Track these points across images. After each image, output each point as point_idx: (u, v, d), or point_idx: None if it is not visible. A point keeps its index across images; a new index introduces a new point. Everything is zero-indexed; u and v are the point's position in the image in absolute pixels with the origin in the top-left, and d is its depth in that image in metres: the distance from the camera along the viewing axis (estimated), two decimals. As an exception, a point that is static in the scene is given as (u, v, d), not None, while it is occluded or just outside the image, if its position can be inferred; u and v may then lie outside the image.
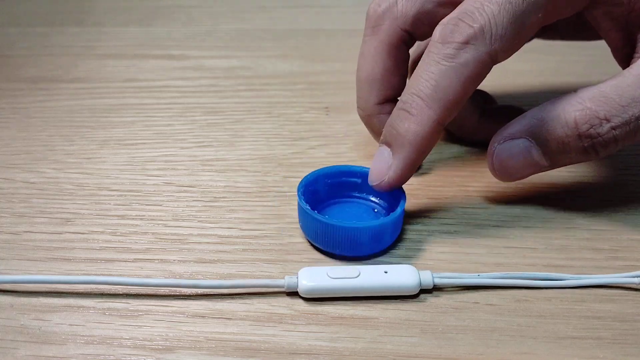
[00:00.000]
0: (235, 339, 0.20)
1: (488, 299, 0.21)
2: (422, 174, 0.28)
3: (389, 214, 0.23)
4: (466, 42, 0.21)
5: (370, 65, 0.26)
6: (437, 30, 0.22)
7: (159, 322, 0.20)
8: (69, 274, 0.22)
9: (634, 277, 0.21)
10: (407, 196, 0.23)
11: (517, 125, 0.23)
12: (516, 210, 0.25)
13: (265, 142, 0.30)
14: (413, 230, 0.24)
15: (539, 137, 0.23)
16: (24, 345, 0.19)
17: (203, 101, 0.35)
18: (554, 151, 0.23)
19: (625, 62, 0.24)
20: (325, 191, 0.25)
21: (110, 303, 0.21)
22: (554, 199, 0.26)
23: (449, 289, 0.22)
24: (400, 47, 0.26)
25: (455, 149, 0.30)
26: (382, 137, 0.23)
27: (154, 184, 0.27)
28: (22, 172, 0.28)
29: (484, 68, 0.22)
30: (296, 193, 0.23)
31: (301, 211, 0.23)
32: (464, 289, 0.21)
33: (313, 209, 0.23)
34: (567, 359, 0.19)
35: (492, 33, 0.21)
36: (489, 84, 0.26)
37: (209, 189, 0.27)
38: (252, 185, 0.27)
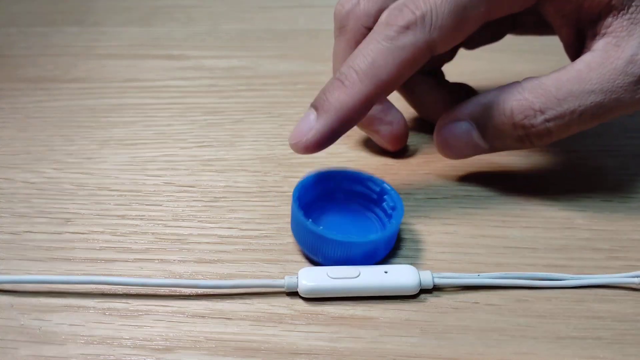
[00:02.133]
0: (235, 339, 0.20)
1: (488, 299, 0.21)
2: (422, 173, 0.28)
3: (384, 225, 0.23)
4: (407, 27, 0.22)
5: (341, 64, 0.27)
6: (384, 14, 0.23)
7: (159, 322, 0.20)
8: (69, 274, 0.22)
9: (634, 277, 0.21)
10: (402, 195, 0.23)
11: (463, 108, 0.25)
12: (516, 210, 0.25)
13: (265, 142, 0.30)
14: (413, 230, 0.24)
15: (479, 122, 0.24)
16: (24, 345, 0.19)
17: (203, 101, 0.35)
18: (492, 136, 0.24)
19: (575, 57, 0.25)
20: (324, 194, 0.25)
21: (110, 303, 0.21)
22: (554, 199, 0.26)
23: (449, 289, 0.22)
24: None
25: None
26: (312, 101, 0.24)
27: (154, 184, 0.27)
28: (22, 172, 0.28)
29: (420, 54, 0.22)
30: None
31: (294, 217, 0.23)
32: (464, 289, 0.21)
33: (307, 209, 0.22)
34: (567, 359, 0.19)
35: (432, 22, 0.22)
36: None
37: (209, 189, 0.27)
38: (252, 185, 0.27)
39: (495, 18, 0.23)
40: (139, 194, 0.26)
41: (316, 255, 0.22)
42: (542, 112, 0.23)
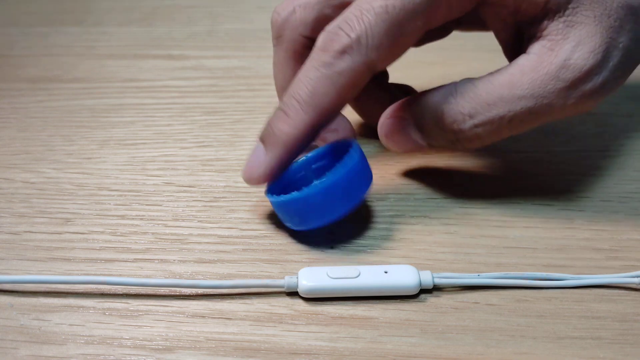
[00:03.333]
0: (235, 339, 0.20)
1: (488, 299, 0.21)
2: (422, 173, 0.28)
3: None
4: (343, 52, 0.22)
5: (282, 74, 0.27)
6: (320, 37, 0.23)
7: (159, 322, 0.20)
8: (69, 274, 0.22)
9: (634, 277, 0.21)
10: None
11: (402, 105, 0.25)
12: (516, 210, 0.25)
13: (265, 142, 0.30)
14: (413, 230, 0.24)
15: (416, 120, 0.24)
16: (24, 345, 0.19)
17: (203, 101, 0.35)
18: (427, 135, 0.24)
19: (513, 59, 0.24)
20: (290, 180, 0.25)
21: (110, 303, 0.21)
22: (554, 199, 0.26)
23: (449, 289, 0.22)
24: (304, 53, 0.25)
25: (455, 150, 0.30)
26: (260, 133, 0.24)
27: (154, 184, 0.27)
28: (22, 172, 0.28)
29: (360, 77, 0.22)
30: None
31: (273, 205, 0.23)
32: (464, 289, 0.21)
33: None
34: (567, 359, 0.19)
35: (367, 43, 0.21)
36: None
37: (209, 189, 0.27)
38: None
39: (435, 27, 0.23)
40: (139, 194, 0.26)
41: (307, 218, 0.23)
42: (470, 116, 0.22)
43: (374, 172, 0.24)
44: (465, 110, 0.22)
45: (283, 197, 0.22)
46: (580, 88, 0.22)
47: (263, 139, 0.23)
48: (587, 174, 0.28)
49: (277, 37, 0.26)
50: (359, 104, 0.30)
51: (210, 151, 0.30)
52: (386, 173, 0.28)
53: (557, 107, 0.22)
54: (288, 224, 0.23)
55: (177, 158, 0.29)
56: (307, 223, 0.23)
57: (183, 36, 0.44)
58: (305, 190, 0.22)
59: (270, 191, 0.23)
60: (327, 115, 0.23)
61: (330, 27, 0.22)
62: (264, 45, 0.42)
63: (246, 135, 0.31)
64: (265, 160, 0.23)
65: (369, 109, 0.29)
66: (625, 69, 0.23)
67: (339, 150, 0.25)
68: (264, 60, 0.40)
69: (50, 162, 0.29)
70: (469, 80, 0.23)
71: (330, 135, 0.27)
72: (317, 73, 0.22)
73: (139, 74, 0.38)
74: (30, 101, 0.34)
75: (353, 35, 0.22)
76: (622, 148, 0.29)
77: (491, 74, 0.23)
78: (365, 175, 0.23)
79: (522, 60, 0.22)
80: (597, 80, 0.22)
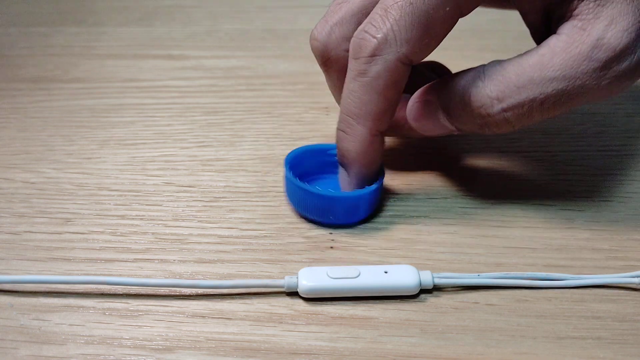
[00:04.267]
0: (235, 339, 0.20)
1: (488, 299, 0.21)
2: (422, 173, 0.28)
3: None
4: (373, 55, 0.22)
5: (338, 95, 0.26)
6: (350, 46, 0.23)
7: (159, 322, 0.20)
8: (69, 274, 0.22)
9: (634, 277, 0.21)
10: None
11: (431, 88, 0.24)
12: (516, 210, 0.25)
13: (265, 142, 0.30)
14: (413, 230, 0.24)
15: (444, 104, 0.24)
16: (24, 345, 0.19)
17: (203, 101, 0.35)
18: (455, 120, 0.23)
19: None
20: (310, 166, 0.26)
21: (110, 303, 0.21)
22: (554, 199, 0.26)
23: (449, 289, 0.22)
24: None
25: (455, 150, 0.30)
26: (337, 156, 0.25)
27: (154, 184, 0.27)
28: (22, 172, 0.28)
29: (397, 74, 0.22)
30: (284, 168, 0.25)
31: (287, 182, 0.25)
32: (464, 289, 0.21)
33: (300, 179, 0.24)
34: (567, 359, 0.19)
35: (396, 39, 0.21)
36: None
37: (209, 189, 0.27)
38: (252, 185, 0.27)
39: (468, 13, 0.22)
40: (139, 194, 0.26)
41: (305, 210, 0.24)
42: (499, 100, 0.22)
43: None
44: (494, 93, 0.22)
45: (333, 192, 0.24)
46: (615, 68, 0.21)
47: (340, 162, 0.24)
48: (587, 174, 0.28)
49: (324, 62, 0.25)
50: None
51: (210, 151, 0.30)
52: (386, 173, 0.28)
53: (590, 89, 0.21)
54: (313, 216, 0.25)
55: (177, 158, 0.29)
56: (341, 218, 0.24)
57: (183, 36, 0.44)
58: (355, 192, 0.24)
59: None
60: (382, 118, 0.23)
61: (358, 33, 0.22)
62: (264, 45, 0.42)
63: (246, 135, 0.31)
64: (349, 181, 0.24)
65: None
66: None
67: None
68: (264, 60, 0.40)
69: (50, 162, 0.29)
70: (497, 63, 0.22)
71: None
72: (357, 83, 0.22)
73: (139, 74, 0.38)
74: (30, 101, 0.34)
75: (380, 35, 0.21)
76: (622, 148, 0.29)
77: (520, 55, 0.22)
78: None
79: (553, 41, 0.22)
80: (632, 59, 0.21)
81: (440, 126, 0.24)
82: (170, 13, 0.49)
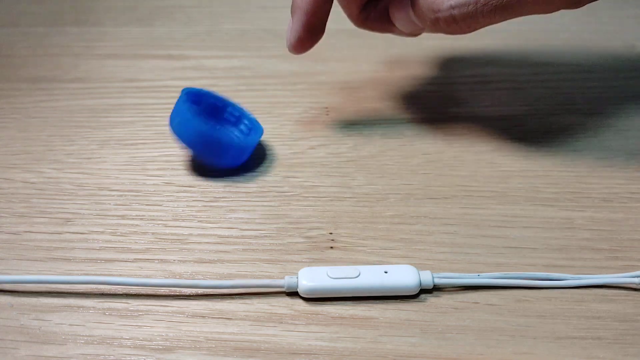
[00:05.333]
0: (235, 339, 0.20)
1: (488, 299, 0.21)
2: (422, 173, 0.28)
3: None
4: None
5: None
6: None
7: (159, 322, 0.20)
8: (69, 274, 0.22)
9: (634, 277, 0.21)
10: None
11: None
12: (516, 210, 0.25)
13: (265, 142, 0.30)
14: (413, 231, 0.24)
15: (413, 2, 0.25)
16: (24, 345, 0.19)
17: (203, 101, 0.34)
18: (419, 16, 0.25)
19: None
20: (205, 109, 0.29)
21: (110, 303, 0.21)
22: (554, 199, 0.26)
23: (449, 289, 0.22)
24: None
25: (455, 150, 0.30)
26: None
27: (154, 184, 0.27)
28: (22, 172, 0.28)
29: None
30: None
31: (181, 113, 0.26)
32: (464, 289, 0.21)
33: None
34: (567, 359, 0.19)
35: None
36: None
37: (209, 189, 0.27)
38: (252, 185, 0.27)
39: None
40: (139, 194, 0.26)
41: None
42: None
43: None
44: None
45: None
46: None
47: (291, 12, 0.27)
48: (587, 173, 0.28)
49: None
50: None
51: (210, 151, 0.30)
52: (386, 173, 0.28)
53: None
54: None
55: (177, 158, 0.29)
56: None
57: (183, 36, 0.44)
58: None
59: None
60: None
61: None
62: (264, 45, 0.42)
63: (246, 135, 0.31)
64: (293, 27, 0.27)
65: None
66: None
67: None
68: (264, 60, 0.40)
69: (50, 162, 0.29)
70: None
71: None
72: None
73: (139, 74, 0.38)
74: (30, 101, 0.34)
75: None
76: (621, 147, 0.29)
77: None
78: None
79: None
80: None
81: (410, 22, 0.27)
82: (170, 13, 0.49)
